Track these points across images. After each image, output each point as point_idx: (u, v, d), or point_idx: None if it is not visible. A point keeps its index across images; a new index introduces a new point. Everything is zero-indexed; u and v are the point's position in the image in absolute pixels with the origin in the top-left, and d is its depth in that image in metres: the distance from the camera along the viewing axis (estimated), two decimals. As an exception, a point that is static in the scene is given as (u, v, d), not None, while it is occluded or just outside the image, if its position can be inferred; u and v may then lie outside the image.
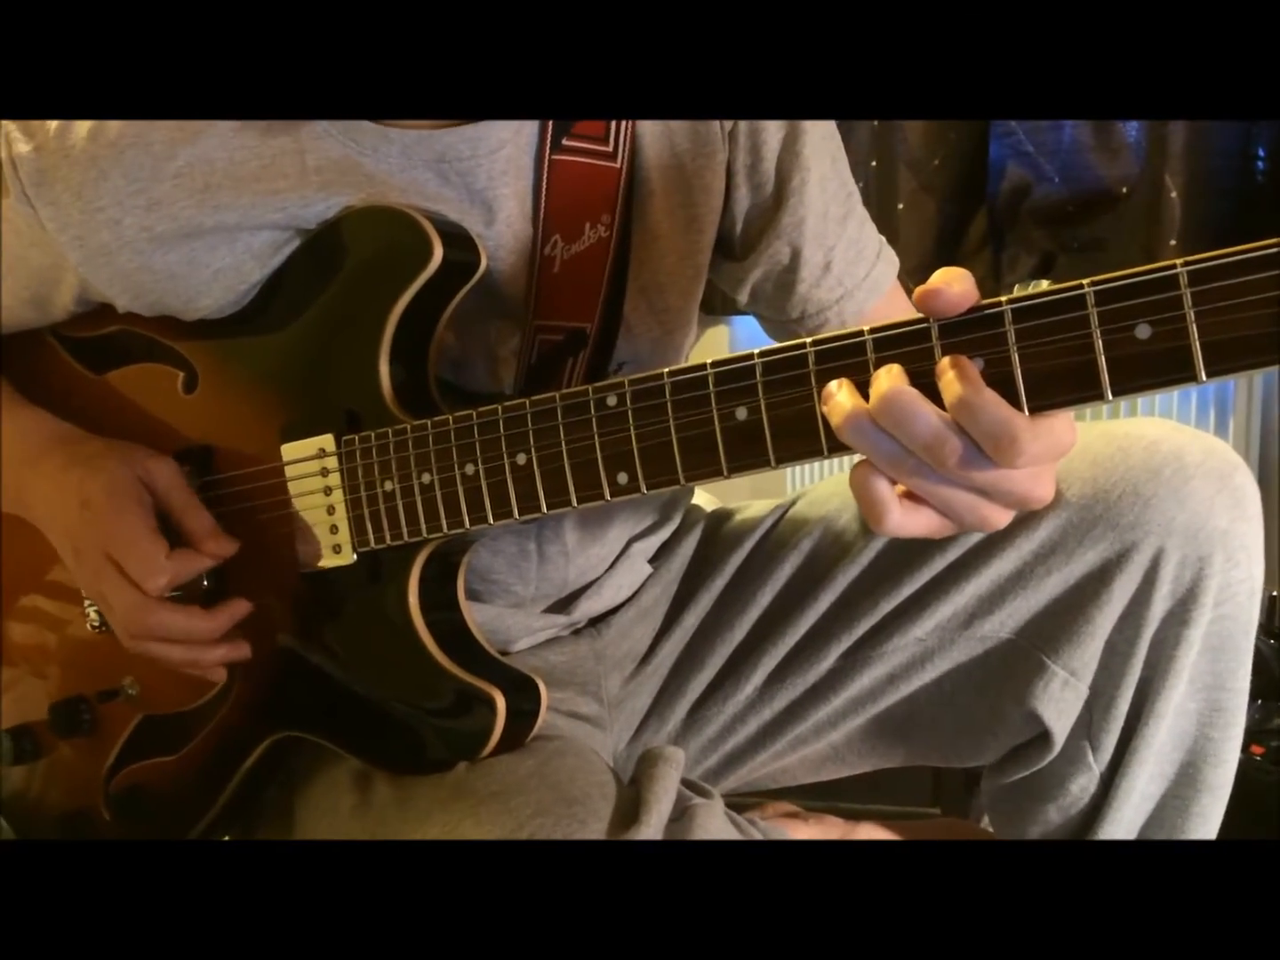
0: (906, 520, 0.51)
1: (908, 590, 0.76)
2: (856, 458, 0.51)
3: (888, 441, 0.49)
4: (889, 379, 0.49)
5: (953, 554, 0.74)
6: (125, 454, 0.71)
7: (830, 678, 0.79)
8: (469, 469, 0.62)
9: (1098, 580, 0.70)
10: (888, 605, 0.76)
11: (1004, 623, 0.74)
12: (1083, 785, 0.76)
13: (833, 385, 0.51)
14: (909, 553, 0.76)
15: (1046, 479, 0.50)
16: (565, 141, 0.70)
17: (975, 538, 0.73)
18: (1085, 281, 0.46)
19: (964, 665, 0.76)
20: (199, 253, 0.67)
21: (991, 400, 0.47)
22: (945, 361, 0.48)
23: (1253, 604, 0.72)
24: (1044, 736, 0.75)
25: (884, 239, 0.82)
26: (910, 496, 0.51)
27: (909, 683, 0.78)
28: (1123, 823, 0.76)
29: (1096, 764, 0.76)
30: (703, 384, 0.54)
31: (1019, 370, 0.47)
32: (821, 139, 0.75)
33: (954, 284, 0.48)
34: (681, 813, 0.61)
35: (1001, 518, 0.51)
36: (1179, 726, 0.74)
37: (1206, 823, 0.76)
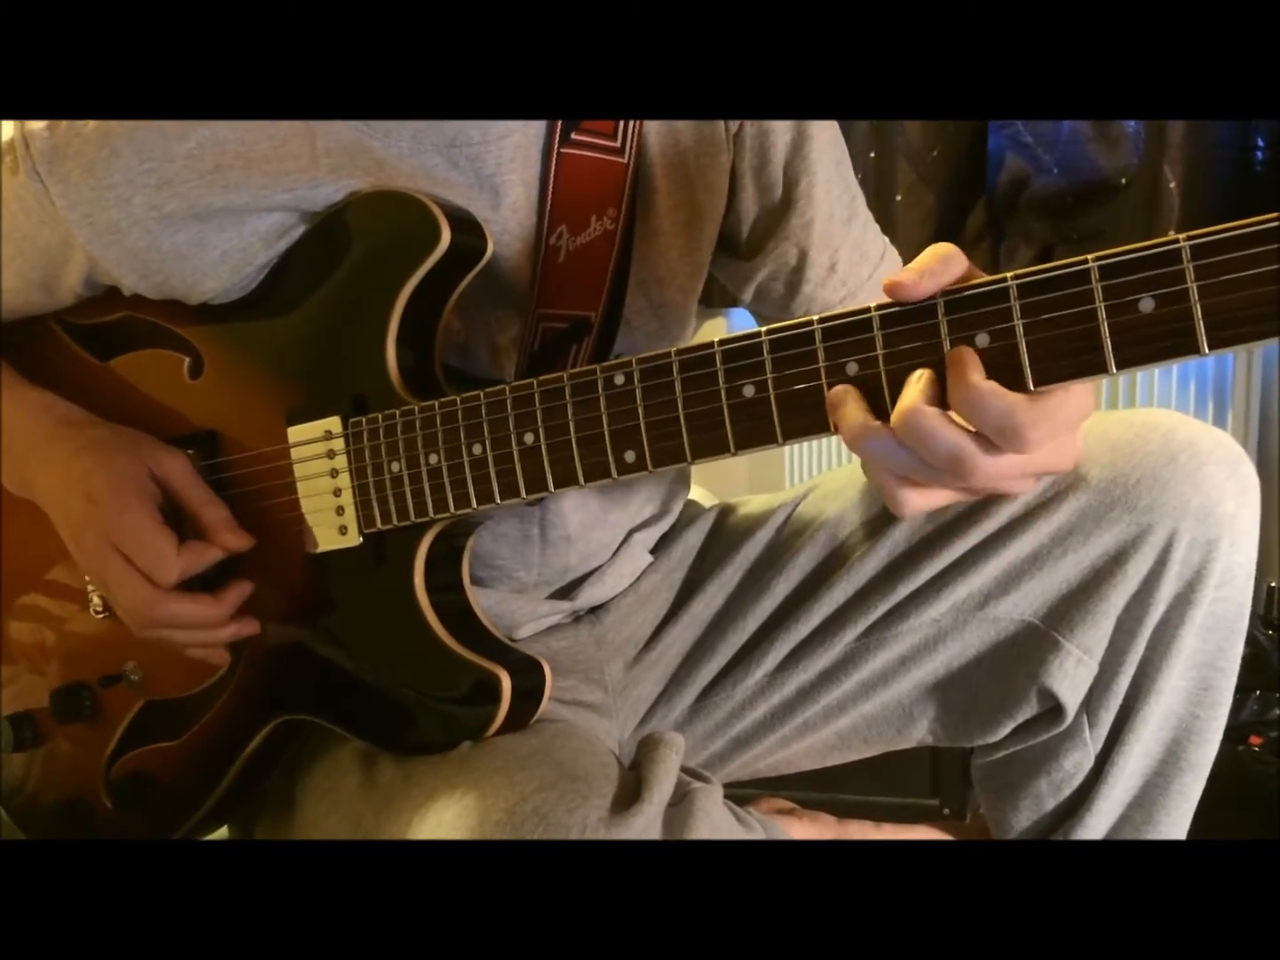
0: (925, 500, 0.51)
1: (925, 575, 0.76)
2: None
3: (903, 455, 0.49)
4: (909, 397, 0.49)
5: (972, 538, 0.75)
6: (135, 446, 0.71)
7: (843, 661, 0.80)
8: (476, 449, 0.62)
9: (1114, 561, 0.72)
10: (904, 590, 0.77)
11: (1018, 604, 0.75)
12: (1076, 761, 0.78)
13: (839, 391, 0.51)
14: (928, 540, 0.77)
15: (1067, 449, 0.50)
16: (574, 136, 0.71)
17: (993, 524, 0.75)
18: (1090, 256, 0.46)
19: (977, 645, 0.77)
20: (207, 234, 0.67)
21: (991, 391, 0.47)
22: (949, 356, 0.49)
23: (1248, 587, 0.74)
24: (1054, 710, 0.76)
25: (888, 240, 0.83)
26: None
27: (920, 665, 0.79)
28: (1113, 800, 0.77)
29: (1092, 741, 0.77)
30: (710, 362, 0.55)
31: (1023, 345, 0.47)
32: (827, 143, 0.76)
33: (925, 279, 0.49)
34: (682, 797, 0.62)
35: (1025, 485, 0.51)
36: (1170, 707, 0.75)
37: (1185, 800, 0.78)
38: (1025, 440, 0.47)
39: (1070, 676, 0.74)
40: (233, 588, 0.71)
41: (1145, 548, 0.70)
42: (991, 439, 0.48)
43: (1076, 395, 0.48)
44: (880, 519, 0.79)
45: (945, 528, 0.76)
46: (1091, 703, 0.76)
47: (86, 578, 0.78)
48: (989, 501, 0.74)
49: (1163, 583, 0.71)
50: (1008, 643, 0.76)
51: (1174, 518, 0.70)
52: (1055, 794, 0.79)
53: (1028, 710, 0.77)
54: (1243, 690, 1.19)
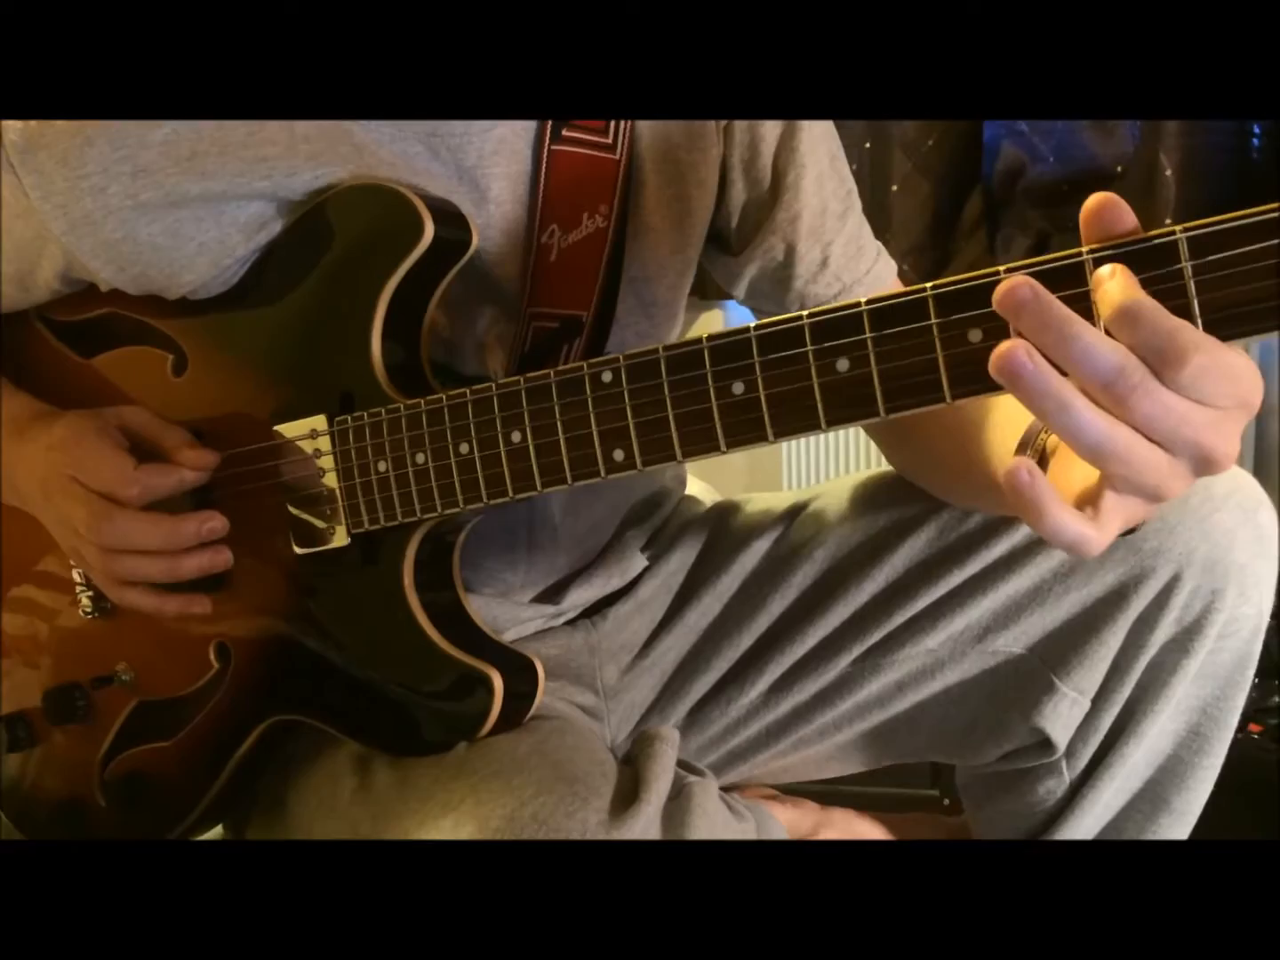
0: (1107, 528, 0.44)
1: (923, 602, 0.76)
2: (858, 436, 0.50)
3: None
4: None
5: (971, 568, 0.74)
6: (96, 410, 0.72)
7: (838, 684, 0.79)
8: (463, 449, 0.62)
9: (1113, 603, 0.71)
10: (901, 616, 0.76)
11: (1017, 638, 0.75)
12: (1050, 788, 0.77)
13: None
14: (927, 566, 0.76)
15: (1228, 431, 0.44)
16: (565, 132, 0.70)
17: (993, 554, 0.74)
18: (1084, 249, 0.45)
19: (973, 676, 0.77)
20: (184, 224, 0.66)
21: (1152, 305, 0.42)
22: (1102, 271, 0.43)
23: (1255, 639, 0.72)
24: (1043, 744, 0.76)
25: (880, 244, 0.80)
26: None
27: (917, 691, 0.78)
28: (1081, 829, 0.77)
29: (1069, 771, 0.76)
30: (698, 359, 0.54)
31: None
32: (819, 137, 0.75)
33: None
34: (679, 791, 0.62)
35: (1179, 485, 0.44)
36: (1155, 745, 0.75)
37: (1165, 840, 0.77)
38: (1184, 360, 0.41)
39: (1064, 718, 0.74)
40: (197, 513, 0.69)
41: (1144, 589, 0.69)
42: (1146, 356, 0.42)
43: (1242, 363, 0.43)
44: (881, 541, 0.78)
45: (945, 555, 0.75)
46: (1071, 735, 0.75)
47: (55, 535, 0.76)
48: (989, 530, 0.74)
49: (1157, 627, 0.70)
50: (1005, 675, 0.76)
51: (1177, 564, 0.68)
52: (1028, 811, 0.79)
53: (1017, 742, 0.77)
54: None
